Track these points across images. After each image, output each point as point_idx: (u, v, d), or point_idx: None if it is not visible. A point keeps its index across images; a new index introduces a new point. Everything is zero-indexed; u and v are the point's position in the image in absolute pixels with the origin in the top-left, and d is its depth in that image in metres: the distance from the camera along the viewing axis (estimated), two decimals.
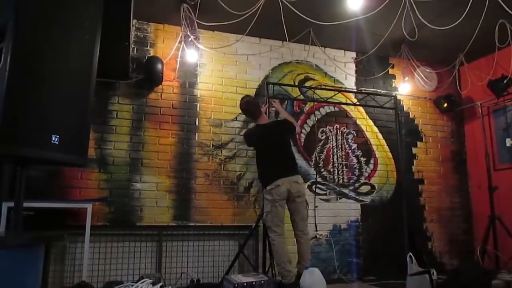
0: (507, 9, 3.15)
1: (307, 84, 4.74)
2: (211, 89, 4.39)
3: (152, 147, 4.09)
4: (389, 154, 4.91)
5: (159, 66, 4.04)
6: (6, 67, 1.39)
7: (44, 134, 1.52)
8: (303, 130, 4.65)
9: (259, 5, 3.57)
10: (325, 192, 4.56)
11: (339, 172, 4.68)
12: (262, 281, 2.95)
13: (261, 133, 3.68)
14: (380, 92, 4.94)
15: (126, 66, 3.77)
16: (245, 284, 2.90)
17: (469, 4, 3.28)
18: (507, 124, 4.76)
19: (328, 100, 4.60)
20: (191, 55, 4.21)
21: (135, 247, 3.84)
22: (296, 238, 3.55)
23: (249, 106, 3.77)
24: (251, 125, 4.11)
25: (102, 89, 3.93)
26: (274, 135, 3.63)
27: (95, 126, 3.89)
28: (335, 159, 4.69)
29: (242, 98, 3.85)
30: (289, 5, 3.55)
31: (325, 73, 4.87)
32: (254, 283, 2.92)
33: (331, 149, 4.70)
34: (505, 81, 4.40)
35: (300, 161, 4.54)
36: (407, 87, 5.04)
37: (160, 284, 2.61)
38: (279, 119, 4.13)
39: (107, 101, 4.03)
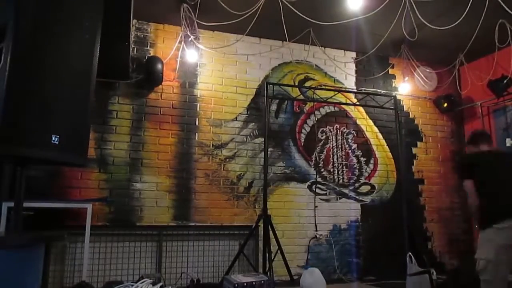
0: (507, 9, 3.15)
1: (307, 84, 4.74)
2: (211, 89, 4.39)
3: (152, 147, 4.09)
4: (389, 154, 4.91)
5: (159, 66, 4.04)
6: (6, 67, 1.39)
7: (44, 134, 1.52)
8: (303, 130, 4.65)
9: (259, 5, 3.57)
10: (325, 192, 4.56)
11: (339, 172, 4.68)
12: (262, 281, 2.95)
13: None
14: (380, 92, 4.94)
15: (126, 66, 3.77)
16: (245, 284, 2.90)
17: (469, 4, 3.28)
18: (507, 124, 4.76)
19: (328, 100, 4.60)
20: (191, 55, 4.21)
21: (135, 247, 3.84)
22: None
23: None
24: None
25: (102, 89, 3.93)
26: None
27: (95, 126, 3.90)
28: (335, 159, 4.69)
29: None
30: (289, 5, 3.55)
31: (325, 73, 4.87)
32: (254, 283, 2.92)
33: (331, 149, 4.70)
34: (505, 81, 4.40)
35: (300, 161, 4.55)
36: (407, 87, 5.04)
37: (160, 284, 2.61)
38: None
39: (107, 101, 4.03)
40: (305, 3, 3.61)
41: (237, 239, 4.14)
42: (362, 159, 4.80)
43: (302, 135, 4.63)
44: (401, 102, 5.09)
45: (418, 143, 5.11)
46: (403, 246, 4.08)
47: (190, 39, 4.13)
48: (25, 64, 1.46)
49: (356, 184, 4.72)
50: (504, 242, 2.50)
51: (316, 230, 4.39)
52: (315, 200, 4.46)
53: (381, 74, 4.99)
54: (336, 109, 4.82)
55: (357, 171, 4.76)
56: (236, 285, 2.88)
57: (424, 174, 5.03)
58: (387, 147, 4.92)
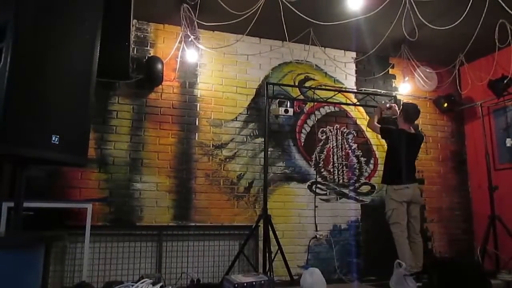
0: (507, 9, 3.15)
1: (307, 84, 4.74)
2: (211, 89, 4.39)
3: (152, 147, 4.09)
4: None
5: (159, 66, 4.04)
6: (6, 67, 1.39)
7: (44, 134, 1.52)
8: (303, 130, 4.65)
9: (259, 5, 3.57)
10: (325, 192, 4.56)
11: (339, 172, 4.68)
12: (262, 281, 2.94)
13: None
14: (380, 92, 4.94)
15: (126, 66, 3.77)
16: (245, 284, 2.90)
17: (469, 4, 3.27)
18: (507, 124, 4.76)
19: (328, 100, 4.60)
20: (191, 55, 4.21)
21: (135, 247, 3.84)
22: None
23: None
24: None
25: (102, 89, 3.93)
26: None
27: (95, 126, 3.89)
28: (335, 159, 4.69)
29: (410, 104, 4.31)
30: (289, 5, 3.55)
31: (325, 73, 4.87)
32: (254, 283, 2.92)
33: (331, 149, 4.70)
34: (505, 81, 4.40)
35: (300, 161, 4.55)
36: (407, 87, 5.04)
37: (160, 284, 2.61)
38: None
39: (107, 101, 4.03)
40: (305, 3, 3.61)
41: (237, 239, 4.13)
42: (362, 159, 4.80)
43: (302, 135, 4.63)
44: (401, 102, 5.07)
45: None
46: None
47: (190, 39, 4.13)
48: (25, 64, 1.47)
49: (356, 184, 4.72)
50: (399, 199, 3.84)
51: (316, 230, 4.39)
52: (315, 200, 4.46)
53: (381, 74, 4.98)
54: (336, 109, 4.82)
55: (357, 171, 4.76)
56: (236, 285, 2.88)
57: (424, 174, 5.03)
58: (387, 147, 4.91)
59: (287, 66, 4.71)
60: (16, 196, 1.61)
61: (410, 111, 4.13)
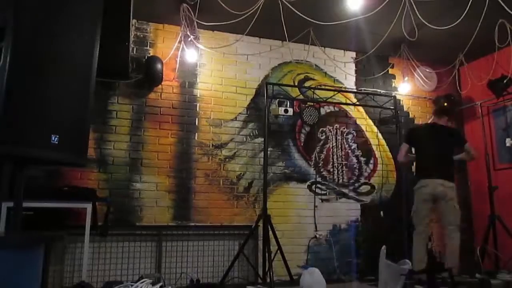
0: (507, 9, 3.15)
1: (307, 84, 4.74)
2: (210, 89, 4.39)
3: (152, 147, 4.09)
4: (389, 154, 4.91)
5: (159, 66, 4.04)
6: (5, 67, 1.39)
7: (44, 134, 1.52)
8: (303, 130, 4.65)
9: (259, 5, 3.57)
10: (325, 192, 4.56)
11: (339, 172, 4.67)
12: None
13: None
14: (380, 92, 4.94)
15: (126, 66, 3.77)
16: None
17: (469, 4, 3.27)
18: (507, 124, 4.76)
19: (328, 100, 4.60)
20: (191, 55, 4.21)
21: (134, 247, 3.84)
22: None
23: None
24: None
25: (102, 89, 3.93)
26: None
27: (95, 126, 3.89)
28: (335, 159, 4.69)
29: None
30: (289, 5, 3.55)
31: (325, 73, 4.87)
32: None
33: (331, 149, 4.70)
34: (504, 81, 4.40)
35: (299, 161, 4.55)
36: (407, 87, 5.04)
37: (160, 284, 2.61)
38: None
39: (106, 101, 4.03)
40: (305, 3, 3.61)
41: (237, 239, 4.13)
42: (362, 159, 4.80)
43: (302, 135, 4.62)
44: (401, 102, 5.08)
45: None
46: (403, 246, 4.08)
47: (189, 39, 4.12)
48: (25, 64, 1.46)
49: (356, 184, 4.72)
50: (419, 198, 3.70)
51: (316, 230, 4.39)
52: (315, 200, 4.46)
53: (381, 74, 4.98)
54: (336, 109, 4.82)
55: (357, 171, 4.76)
56: None
57: None
58: (387, 147, 4.92)
59: (286, 66, 4.71)
60: (16, 196, 1.61)
61: (438, 103, 4.11)
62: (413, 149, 4.03)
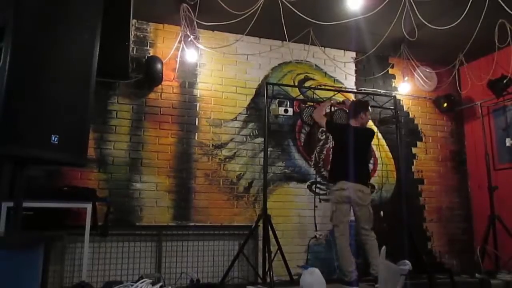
0: (507, 9, 3.15)
1: (307, 84, 4.74)
2: (210, 89, 4.39)
3: (152, 147, 4.09)
4: (389, 154, 4.91)
5: (159, 66, 4.04)
6: (5, 67, 1.39)
7: (44, 134, 1.52)
8: (303, 130, 4.65)
9: (259, 5, 3.57)
10: (325, 192, 4.56)
11: None
12: None
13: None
14: (380, 92, 4.94)
15: (126, 66, 3.77)
16: None
17: (469, 4, 3.27)
18: (507, 124, 4.76)
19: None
20: (191, 55, 4.21)
21: (134, 247, 3.84)
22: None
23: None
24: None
25: (102, 89, 3.93)
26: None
27: (95, 126, 3.89)
28: None
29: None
30: (289, 5, 3.55)
31: (325, 73, 4.87)
32: None
33: (331, 149, 4.69)
34: (504, 81, 4.40)
35: (299, 161, 4.55)
36: (407, 87, 5.04)
37: (160, 284, 2.62)
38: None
39: (106, 101, 4.03)
40: (305, 3, 3.60)
41: (236, 239, 4.13)
42: None
43: (302, 135, 4.62)
44: (401, 102, 5.08)
45: (418, 143, 5.10)
46: (403, 246, 4.08)
47: (189, 39, 4.12)
48: (25, 64, 1.46)
49: None
50: (336, 200, 3.74)
51: (316, 230, 4.39)
52: (314, 200, 4.46)
53: (380, 74, 4.98)
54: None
55: None
56: None
57: (424, 174, 5.03)
58: (387, 147, 4.92)
59: (286, 66, 4.71)
60: (16, 196, 1.61)
61: (356, 105, 4.10)
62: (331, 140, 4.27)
